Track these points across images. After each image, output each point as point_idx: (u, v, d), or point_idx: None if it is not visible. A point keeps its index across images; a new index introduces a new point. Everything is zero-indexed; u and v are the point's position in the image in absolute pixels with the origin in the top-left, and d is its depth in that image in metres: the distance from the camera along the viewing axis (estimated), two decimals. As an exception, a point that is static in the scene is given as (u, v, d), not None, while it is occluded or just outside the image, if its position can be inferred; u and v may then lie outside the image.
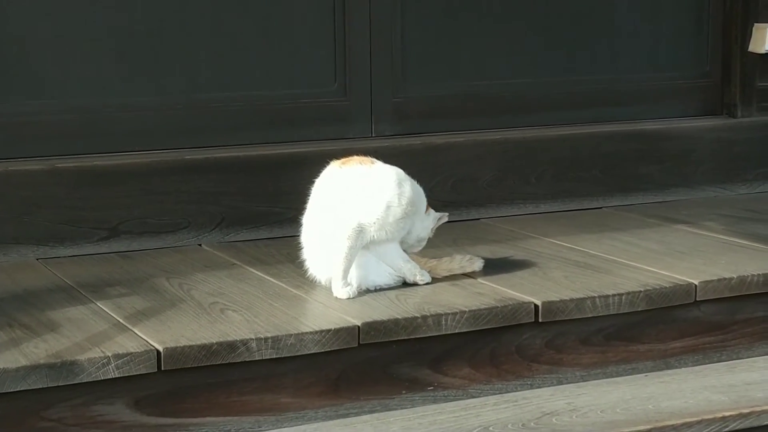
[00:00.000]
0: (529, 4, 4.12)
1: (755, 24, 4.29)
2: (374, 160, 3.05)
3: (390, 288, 3.05)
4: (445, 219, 3.13)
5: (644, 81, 4.29)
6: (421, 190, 3.07)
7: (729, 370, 3.12)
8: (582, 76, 4.20)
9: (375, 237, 2.97)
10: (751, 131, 4.34)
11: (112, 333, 2.72)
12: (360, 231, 2.96)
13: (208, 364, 2.65)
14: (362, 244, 2.97)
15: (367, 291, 3.02)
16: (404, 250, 3.09)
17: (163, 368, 2.61)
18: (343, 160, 3.05)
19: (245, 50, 3.78)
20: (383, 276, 3.05)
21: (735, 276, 3.17)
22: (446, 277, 3.15)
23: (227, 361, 2.67)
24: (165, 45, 3.68)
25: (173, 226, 3.59)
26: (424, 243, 3.12)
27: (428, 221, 3.09)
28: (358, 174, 3.00)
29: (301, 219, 3.09)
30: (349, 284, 2.99)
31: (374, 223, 2.96)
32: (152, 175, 3.58)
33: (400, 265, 3.06)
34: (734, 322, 3.20)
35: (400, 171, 3.03)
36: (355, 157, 3.05)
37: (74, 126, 3.58)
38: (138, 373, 2.59)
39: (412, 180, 3.05)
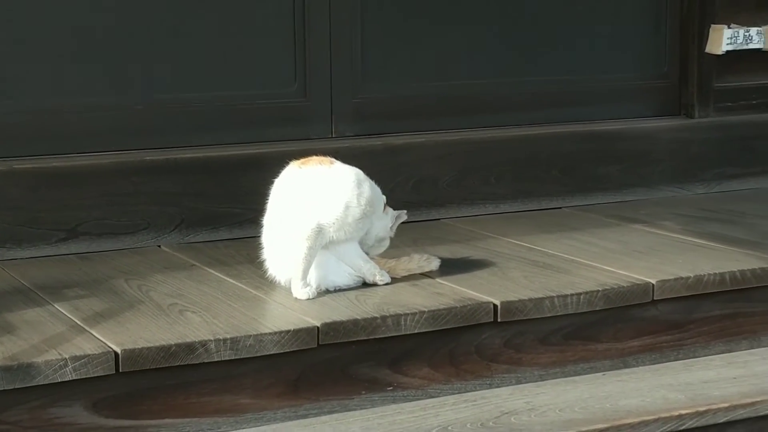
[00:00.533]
0: (488, 6, 4.13)
1: (712, 25, 4.33)
2: (333, 160, 3.06)
3: (349, 288, 3.05)
4: (404, 217, 3.14)
5: (603, 81, 4.31)
6: (379, 190, 3.08)
7: (686, 368, 3.14)
8: (541, 77, 4.22)
9: (334, 237, 2.98)
10: (709, 132, 4.37)
11: (70, 335, 2.70)
12: (319, 231, 2.96)
13: (167, 365, 2.65)
14: (321, 244, 2.97)
15: (327, 291, 3.03)
16: (366, 252, 3.09)
17: (121, 370, 2.60)
18: (302, 160, 3.05)
19: (205, 51, 3.77)
20: (343, 276, 3.05)
21: (692, 275, 3.19)
22: (405, 277, 3.15)
23: (186, 363, 2.66)
24: (124, 46, 3.66)
25: (132, 227, 3.58)
26: (386, 243, 3.12)
27: (386, 220, 3.09)
28: (317, 174, 3.00)
29: (261, 220, 3.08)
30: (308, 285, 2.99)
31: (333, 223, 2.96)
32: (111, 176, 3.56)
33: (359, 265, 3.06)
34: (691, 321, 3.22)
35: (359, 171, 3.04)
36: (315, 158, 3.05)
37: (32, 127, 3.56)
38: (96, 375, 2.58)
39: (371, 180, 3.05)
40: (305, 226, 2.95)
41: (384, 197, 3.10)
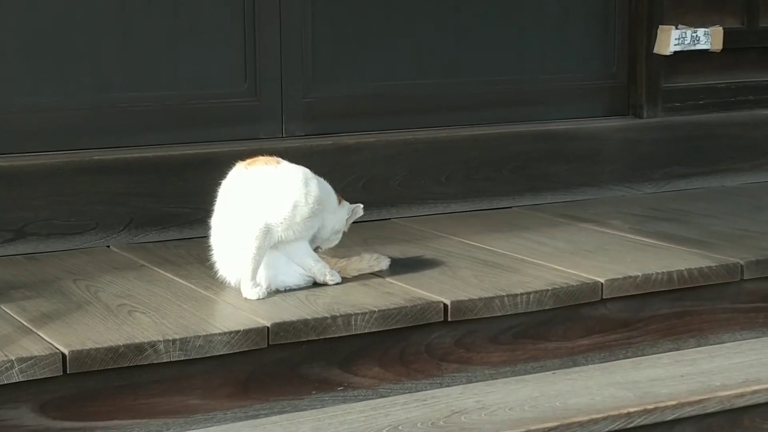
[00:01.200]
0: (438, 5, 4.14)
1: (660, 26, 4.36)
2: (280, 159, 3.05)
3: (300, 288, 3.04)
4: (360, 212, 3.14)
5: (552, 82, 4.34)
6: (328, 186, 3.08)
7: (634, 366, 3.17)
8: (491, 77, 4.23)
9: (283, 237, 2.97)
10: (657, 131, 4.41)
11: (16, 336, 2.68)
12: (267, 231, 2.95)
13: (115, 366, 2.63)
14: (270, 244, 2.97)
15: (277, 291, 3.02)
16: (319, 246, 3.09)
17: (68, 371, 2.58)
18: (249, 160, 3.04)
19: (154, 50, 3.74)
20: (293, 276, 3.04)
21: (640, 274, 3.22)
22: (356, 276, 3.15)
23: (134, 364, 2.64)
24: (73, 44, 3.63)
25: (81, 227, 3.55)
26: (340, 236, 3.12)
27: (342, 213, 3.09)
28: (264, 174, 2.99)
29: (209, 221, 3.07)
30: (258, 285, 2.98)
31: (281, 222, 2.96)
32: (59, 176, 3.53)
33: (309, 264, 3.05)
34: (639, 320, 3.25)
35: (307, 170, 3.04)
36: (261, 158, 3.04)
37: (-22, 126, 3.53)
38: (43, 376, 2.56)
39: (319, 178, 3.05)
40: (253, 226, 2.95)
41: (334, 192, 3.10)
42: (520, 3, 4.26)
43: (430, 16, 4.13)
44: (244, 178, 3.00)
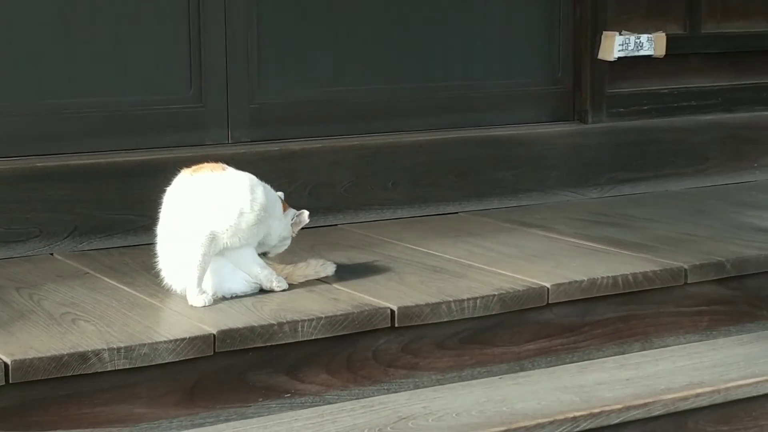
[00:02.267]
0: (382, 11, 4.14)
1: (604, 32, 4.40)
2: (225, 166, 3.04)
3: (246, 295, 3.03)
4: (306, 218, 3.12)
5: (497, 87, 4.35)
6: (274, 193, 3.07)
7: (580, 371, 3.18)
8: (436, 83, 4.24)
9: (228, 244, 2.96)
10: (602, 137, 4.44)
11: (-42, 346, 2.64)
12: (213, 238, 2.94)
13: (59, 375, 2.60)
14: (215, 251, 2.95)
15: (223, 298, 3.00)
16: (268, 252, 3.08)
17: (11, 381, 2.55)
18: (194, 167, 3.02)
19: (98, 55, 3.71)
20: (239, 283, 3.03)
21: (586, 278, 3.24)
22: (303, 283, 3.14)
23: (79, 373, 2.62)
24: (13, 48, 3.59)
25: (24, 234, 3.51)
26: (288, 242, 3.11)
27: (286, 220, 3.09)
28: (209, 181, 2.98)
29: (154, 229, 3.05)
30: (204, 292, 2.96)
31: (227, 230, 2.94)
32: (2, 182, 3.49)
33: (256, 271, 3.04)
34: (585, 324, 3.27)
35: (252, 177, 3.02)
36: (207, 164, 3.03)
37: None
38: (-15, 386, 2.53)
39: (265, 184, 3.04)
40: (198, 234, 2.93)
41: (280, 198, 3.09)
42: (464, 9, 4.28)
43: (375, 22, 4.14)
44: (190, 185, 2.98)
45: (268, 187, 3.06)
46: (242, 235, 2.96)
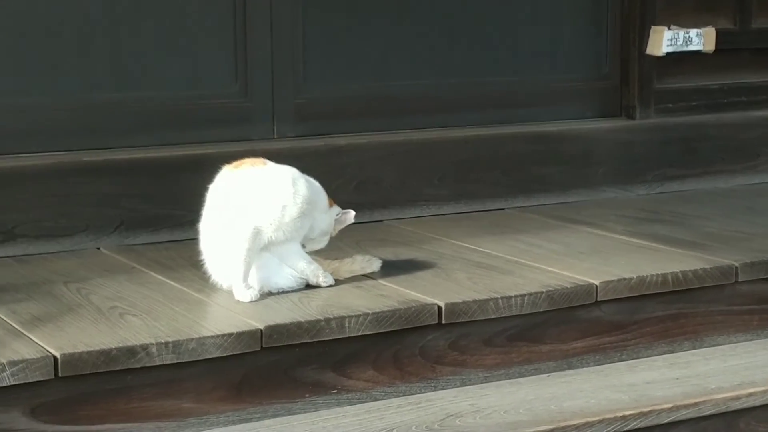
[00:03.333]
0: (430, 6, 4.13)
1: (652, 26, 4.36)
2: (266, 161, 3.03)
3: (293, 290, 3.02)
4: (351, 218, 3.11)
5: (544, 83, 4.33)
6: (318, 186, 3.05)
7: (629, 369, 3.15)
8: (483, 78, 4.22)
9: (273, 238, 2.95)
10: (650, 133, 4.40)
11: (7, 339, 2.65)
12: (256, 233, 2.93)
13: (107, 369, 2.60)
14: (259, 246, 2.94)
15: (270, 293, 3.00)
16: (305, 246, 3.06)
17: (60, 375, 2.56)
18: (235, 163, 3.02)
19: (145, 50, 3.72)
20: (286, 278, 3.02)
21: (635, 276, 3.20)
22: (349, 279, 3.13)
23: (127, 367, 2.62)
24: (62, 44, 3.61)
25: (71, 229, 3.52)
26: (326, 239, 3.10)
27: (331, 214, 3.07)
28: (251, 176, 2.98)
29: (199, 225, 3.05)
30: (250, 287, 2.96)
31: (270, 224, 2.94)
32: (50, 177, 3.51)
33: (302, 266, 3.03)
34: (634, 322, 3.23)
35: (294, 170, 3.01)
36: (248, 160, 3.03)
37: (-33, 127, 3.50)
38: (34, 380, 2.53)
39: (308, 177, 3.03)
40: (242, 229, 2.93)
41: (324, 192, 3.07)
42: (512, 3, 4.25)
43: (422, 16, 4.12)
44: (232, 180, 2.98)
45: (312, 179, 3.05)
46: (286, 229, 2.95)
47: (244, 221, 2.93)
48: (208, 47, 3.81)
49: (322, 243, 3.11)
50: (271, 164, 3.02)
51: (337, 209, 3.10)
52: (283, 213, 2.95)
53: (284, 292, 3.01)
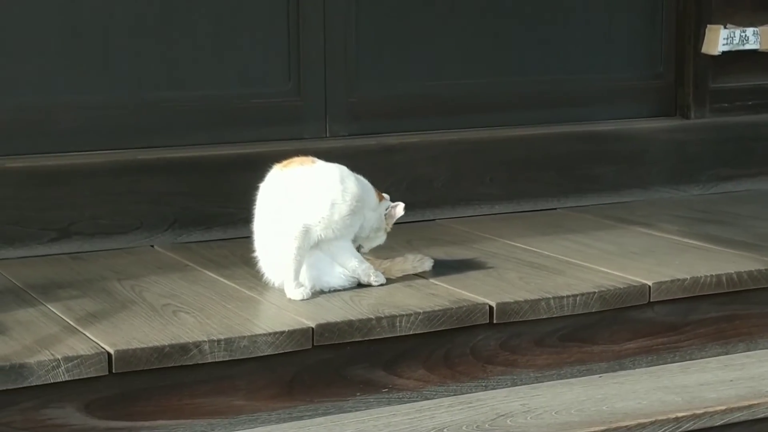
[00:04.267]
0: (483, 5, 4.11)
1: (708, 25, 4.32)
2: (315, 159, 3.04)
3: (344, 289, 3.03)
4: (401, 210, 3.09)
5: (597, 81, 4.30)
6: (367, 183, 3.05)
7: (682, 370, 3.13)
8: (536, 77, 4.20)
9: (323, 236, 2.95)
10: (704, 132, 4.36)
11: (63, 335, 2.68)
12: (306, 231, 2.94)
13: (160, 366, 2.62)
14: (309, 244, 2.95)
15: (321, 292, 3.01)
16: (361, 246, 3.07)
17: (114, 371, 2.58)
18: (284, 162, 3.03)
19: (198, 49, 3.74)
20: (337, 277, 3.03)
21: (688, 277, 3.18)
22: (400, 278, 3.13)
23: (179, 364, 2.64)
24: (115, 44, 3.64)
25: (125, 227, 3.55)
26: (381, 235, 3.08)
27: (380, 211, 3.06)
28: (300, 175, 2.99)
29: (252, 225, 3.06)
30: (302, 285, 2.97)
31: (319, 222, 2.94)
32: (104, 175, 3.54)
33: (354, 265, 3.04)
34: (687, 323, 3.21)
35: (343, 168, 3.02)
36: (296, 159, 3.03)
37: (24, 125, 3.53)
38: (88, 376, 2.56)
39: (357, 175, 3.03)
40: (292, 227, 2.94)
41: (373, 189, 3.07)
42: (565, 2, 4.23)
43: (474, 15, 4.11)
44: (281, 179, 3.00)
45: (361, 177, 3.05)
46: (336, 227, 2.96)
47: (293, 220, 2.95)
48: (262, 46, 3.82)
49: (379, 240, 3.10)
50: (319, 162, 3.03)
51: (386, 203, 3.09)
52: (333, 211, 2.95)
53: (336, 290, 3.02)
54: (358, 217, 3.01)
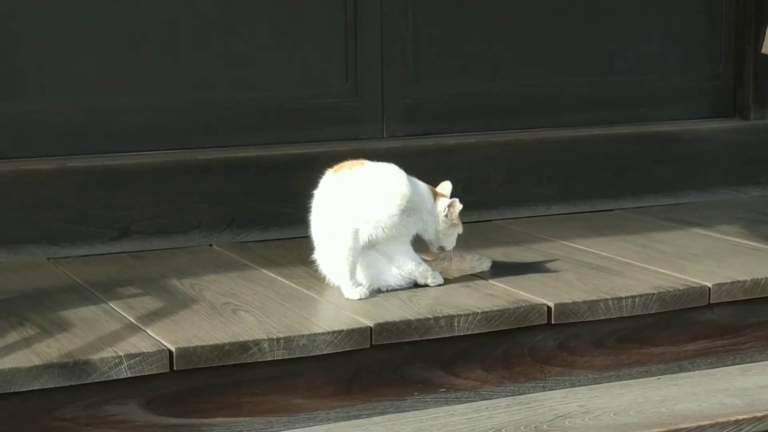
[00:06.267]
0: (540, 4, 4.10)
1: (768, 26, 4.28)
2: (365, 161, 3.04)
3: (402, 288, 3.03)
4: (459, 205, 3.07)
5: (656, 82, 4.27)
6: (421, 184, 3.04)
7: (742, 373, 3.10)
8: (593, 77, 4.19)
9: (373, 236, 2.95)
10: (764, 134, 4.32)
11: (125, 333, 2.71)
12: (355, 232, 2.95)
13: (220, 364, 2.64)
14: (360, 245, 2.96)
15: (379, 291, 3.01)
16: (442, 247, 3.06)
17: (175, 368, 2.61)
18: (336, 167, 3.04)
19: (256, 49, 3.77)
20: (395, 276, 3.04)
21: (749, 279, 3.15)
22: (458, 278, 3.13)
23: (239, 362, 2.66)
24: (177, 44, 3.67)
25: (184, 226, 3.58)
26: (453, 231, 3.05)
27: (439, 208, 3.05)
28: (349, 177, 3.00)
29: (309, 233, 3.08)
30: (359, 284, 2.98)
31: (367, 221, 2.95)
32: (163, 174, 3.57)
33: (410, 268, 3.04)
34: (748, 326, 3.18)
35: (393, 167, 3.01)
36: (348, 162, 3.04)
37: (85, 125, 3.58)
38: (150, 373, 2.59)
39: (411, 177, 3.02)
40: (342, 229, 2.96)
41: (429, 190, 3.05)
42: (623, 2, 4.21)
43: (531, 16, 4.10)
44: (332, 184, 3.01)
45: (414, 179, 3.04)
46: (385, 227, 2.95)
47: (343, 221, 2.96)
48: (320, 47, 3.84)
49: (453, 236, 3.06)
50: (368, 164, 3.03)
51: (443, 202, 3.06)
52: (381, 210, 2.95)
53: (393, 289, 3.03)
54: (413, 220, 3.01)
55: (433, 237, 3.07)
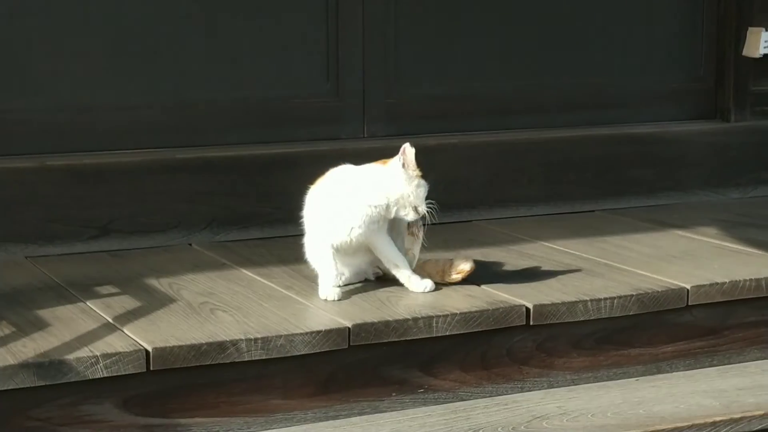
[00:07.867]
0: (522, 6, 4.11)
1: (749, 28, 4.29)
2: (324, 176, 3.02)
3: (381, 289, 3.03)
4: (410, 148, 2.94)
5: (637, 84, 4.28)
6: (364, 166, 2.98)
7: (720, 375, 3.11)
8: (575, 79, 4.19)
9: (336, 244, 2.96)
10: (745, 135, 4.33)
11: (101, 332, 2.70)
12: (322, 245, 2.98)
13: (198, 364, 2.64)
14: (328, 251, 2.96)
15: (360, 283, 3.03)
16: (420, 223, 3.03)
17: (151, 368, 2.60)
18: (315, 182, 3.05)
19: (237, 49, 3.76)
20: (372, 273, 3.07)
21: (727, 281, 3.16)
22: (437, 279, 3.13)
23: (217, 362, 2.65)
24: (156, 44, 3.66)
25: (163, 225, 3.57)
26: (415, 184, 2.98)
27: (392, 165, 2.96)
28: (315, 193, 3.02)
29: (296, 221, 3.08)
30: (335, 286, 2.97)
31: (328, 233, 2.97)
32: (143, 173, 3.56)
33: (393, 267, 3.03)
34: (726, 327, 3.19)
35: (333, 172, 2.99)
36: (320, 178, 3.03)
37: (64, 123, 3.56)
38: (126, 372, 2.58)
39: (340, 171, 2.97)
40: (310, 244, 3.02)
41: (373, 172, 2.98)
42: (604, 3, 4.21)
43: (513, 17, 4.10)
44: (308, 201, 3.04)
45: (357, 167, 2.99)
46: (342, 229, 2.94)
47: (311, 239, 3.02)
48: (301, 47, 3.84)
49: (419, 188, 2.98)
50: (319, 181, 3.02)
51: (393, 161, 2.96)
52: (328, 220, 2.96)
53: (373, 289, 3.02)
54: (358, 198, 2.94)
55: (401, 199, 2.95)
